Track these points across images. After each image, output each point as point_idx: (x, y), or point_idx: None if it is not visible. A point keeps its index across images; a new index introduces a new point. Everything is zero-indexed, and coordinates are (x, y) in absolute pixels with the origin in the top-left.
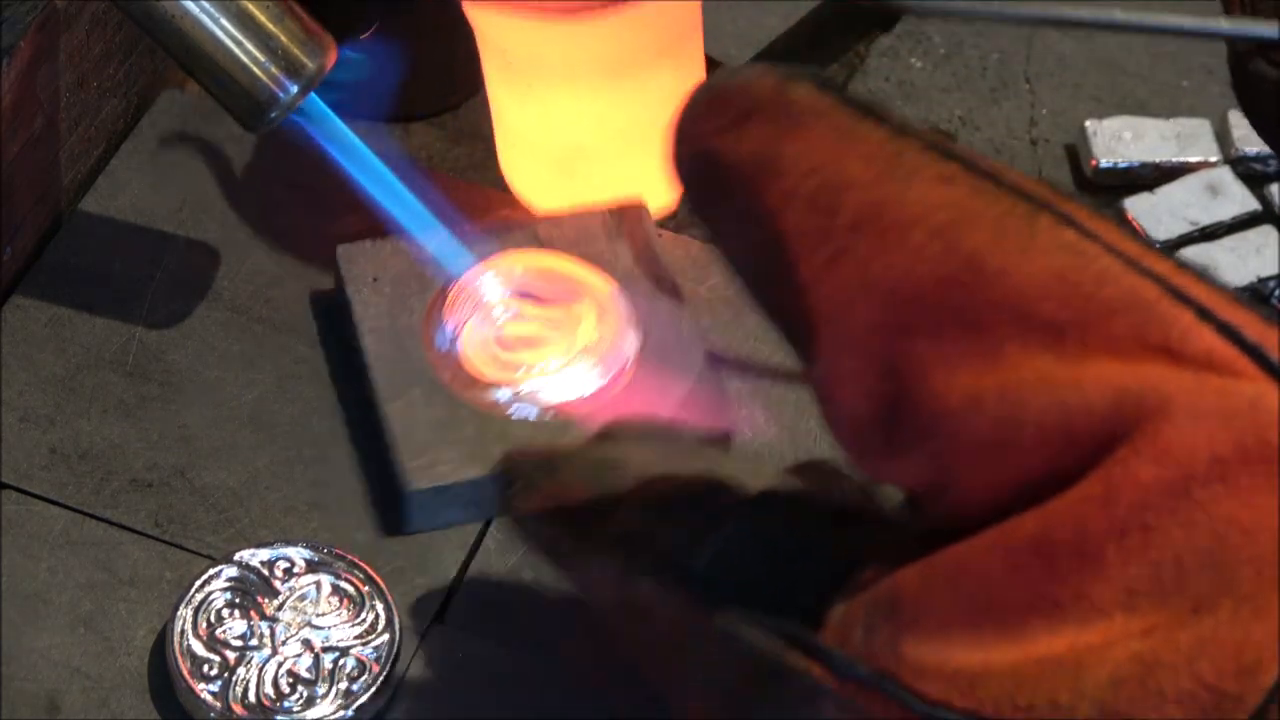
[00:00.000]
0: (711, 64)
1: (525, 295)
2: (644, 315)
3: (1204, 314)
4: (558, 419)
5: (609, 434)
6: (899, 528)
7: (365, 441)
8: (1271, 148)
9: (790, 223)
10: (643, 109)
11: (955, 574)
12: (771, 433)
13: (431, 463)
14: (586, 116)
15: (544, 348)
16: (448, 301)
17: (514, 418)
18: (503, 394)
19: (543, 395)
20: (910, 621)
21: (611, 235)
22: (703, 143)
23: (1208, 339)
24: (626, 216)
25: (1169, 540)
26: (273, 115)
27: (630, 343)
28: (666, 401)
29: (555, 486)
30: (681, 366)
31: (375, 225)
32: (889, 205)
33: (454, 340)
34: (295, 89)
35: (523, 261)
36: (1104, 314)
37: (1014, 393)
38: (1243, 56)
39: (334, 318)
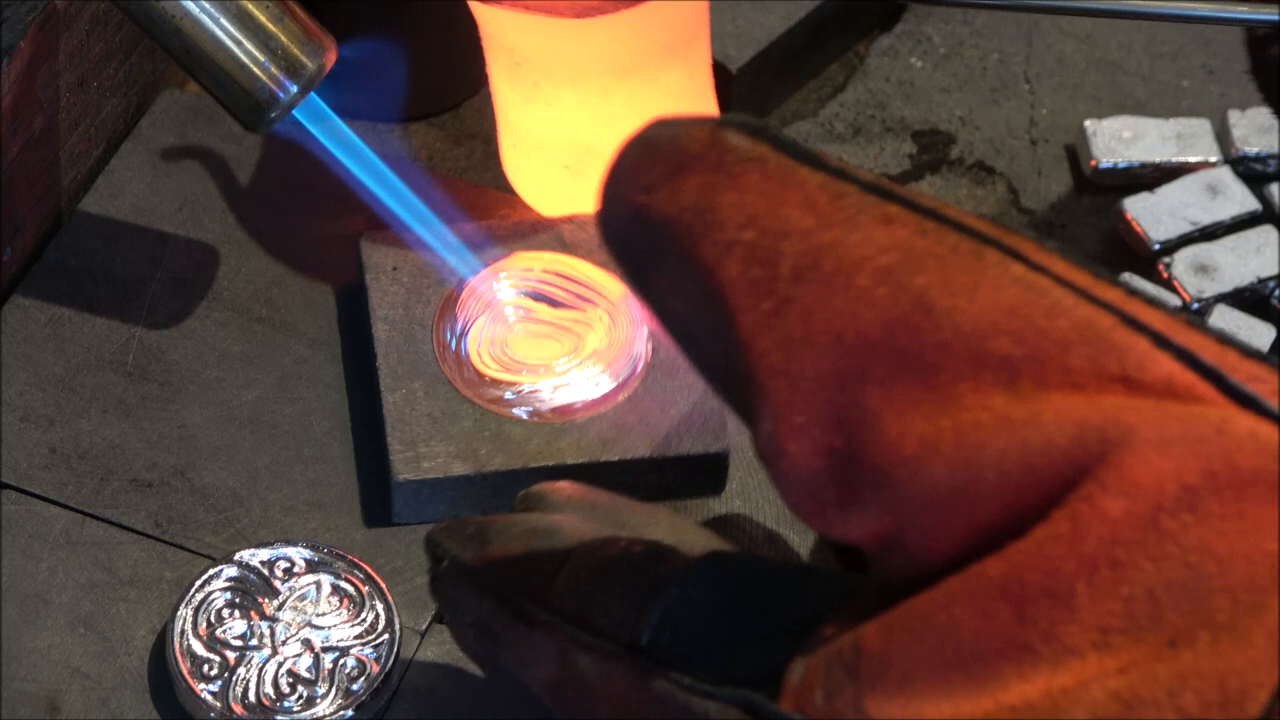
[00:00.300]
0: (712, 64)
1: (539, 296)
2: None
3: (1160, 340)
4: (555, 422)
5: (540, 500)
6: (852, 584)
7: (369, 433)
8: None
9: (729, 275)
10: (652, 109)
11: (919, 624)
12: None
13: (420, 456)
14: (595, 117)
15: (550, 349)
16: (462, 297)
17: (511, 418)
18: (505, 393)
19: (544, 397)
20: (874, 678)
21: None
22: (635, 200)
23: (1166, 365)
24: None
25: (1140, 574)
26: (273, 115)
27: (639, 352)
28: (667, 415)
29: (485, 559)
30: (689, 381)
31: (376, 225)
32: (832, 250)
33: (462, 336)
34: (295, 89)
35: (540, 262)
36: (1059, 347)
37: (971, 435)
38: (1260, 40)
39: (352, 307)
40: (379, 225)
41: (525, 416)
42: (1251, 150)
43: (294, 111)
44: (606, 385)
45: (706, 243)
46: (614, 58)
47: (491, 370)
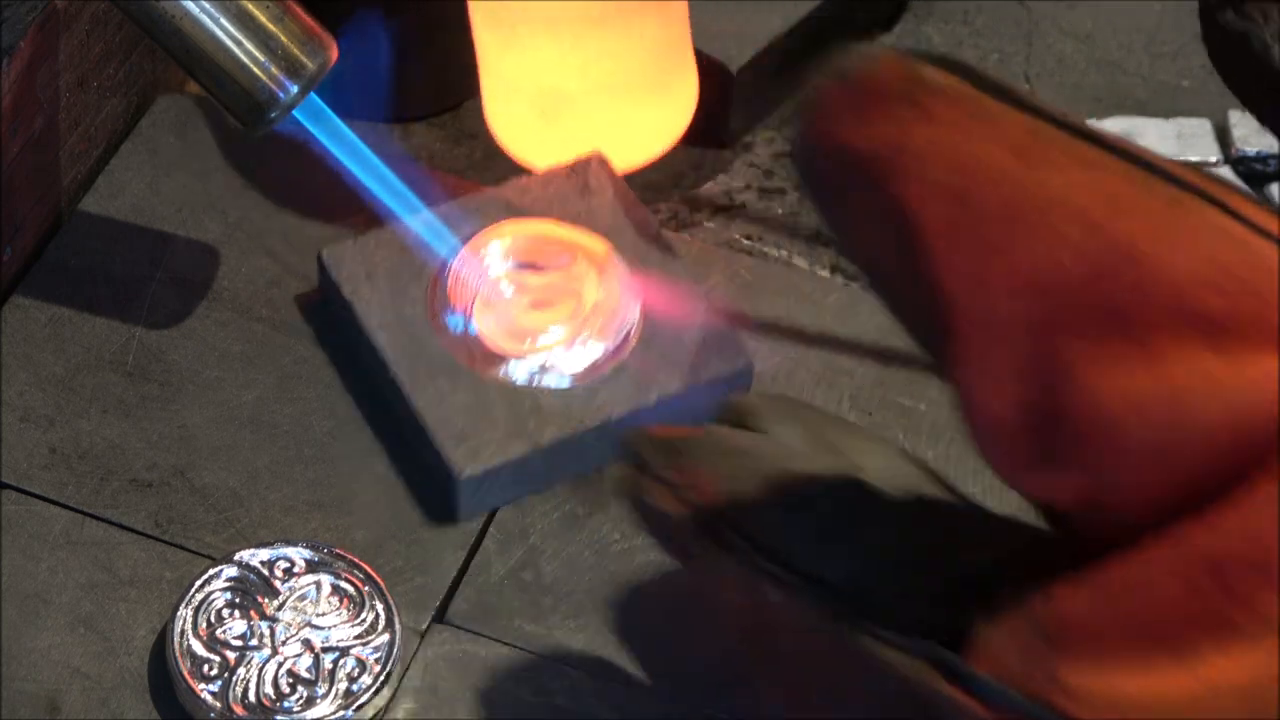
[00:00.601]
0: (711, 64)
1: (524, 266)
2: (638, 264)
3: None
4: (585, 383)
5: (743, 413)
6: (1043, 538)
7: (388, 438)
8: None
9: (927, 214)
10: (625, 57)
11: (1118, 592)
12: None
13: (475, 448)
14: (568, 63)
15: (555, 314)
16: (450, 284)
17: (542, 389)
18: (525, 367)
19: (565, 361)
20: (1072, 646)
21: (581, 191)
22: (831, 135)
23: None
24: (590, 170)
25: None
26: (273, 115)
27: (635, 293)
28: (683, 345)
29: (682, 473)
30: (687, 307)
31: (377, 223)
32: (1032, 192)
33: (466, 322)
34: (295, 89)
35: (511, 232)
36: (1262, 302)
37: (1176, 394)
38: (1212, 8)
39: (325, 320)
40: (342, 236)
41: (552, 384)
42: (1251, 150)
43: (294, 111)
44: (620, 333)
45: (901, 180)
46: (588, 4)
47: (507, 347)
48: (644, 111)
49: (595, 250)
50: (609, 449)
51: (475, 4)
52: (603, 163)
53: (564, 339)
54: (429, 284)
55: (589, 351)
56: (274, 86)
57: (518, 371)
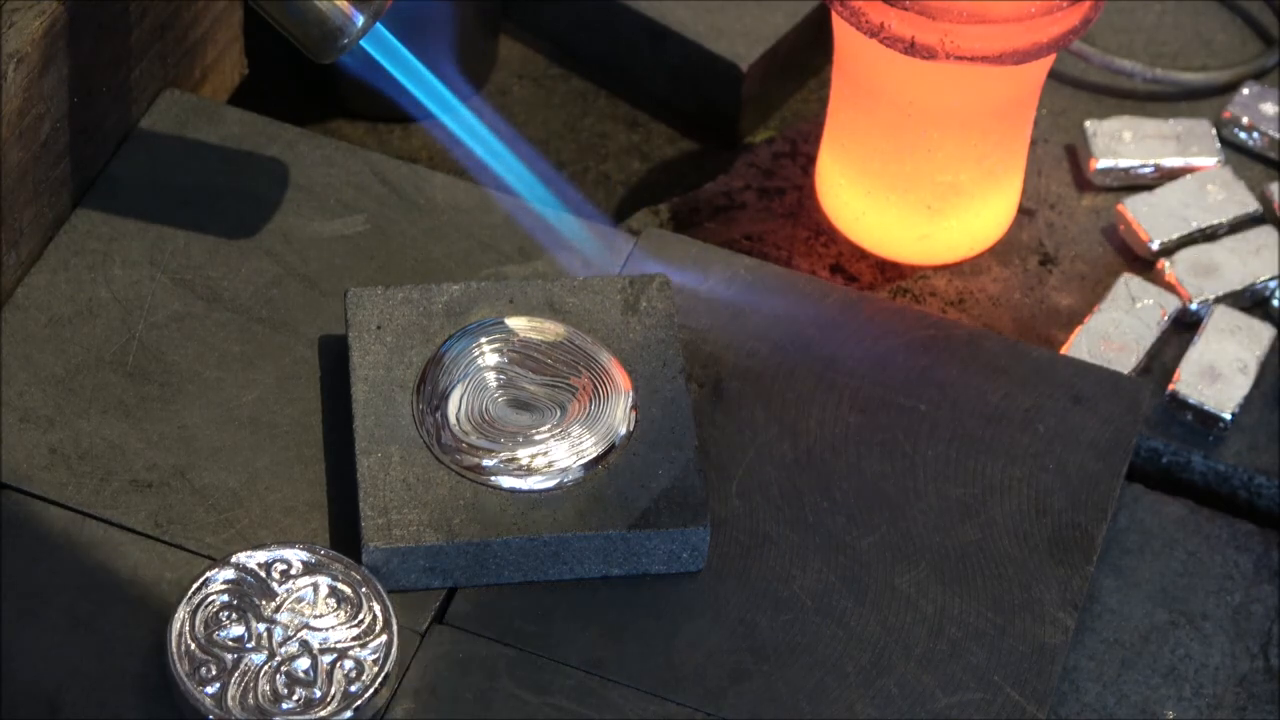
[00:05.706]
0: (721, 62)
1: (524, 362)
2: (643, 395)
3: None
4: (534, 494)
5: None
6: None
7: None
8: None
9: None
10: (1011, 146)
11: None
12: (773, 432)
13: (391, 523)
14: (969, 156)
15: (530, 419)
16: (445, 360)
17: (488, 486)
18: (484, 460)
19: (525, 468)
20: None
21: (628, 307)
22: None
23: None
24: (647, 289)
25: None
26: (344, 43)
27: (622, 423)
28: (646, 489)
29: None
30: (670, 455)
31: (379, 224)
32: None
33: (443, 400)
34: (361, 19)
35: (527, 326)
36: None
37: None
38: None
39: (340, 346)
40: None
41: (503, 485)
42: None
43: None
44: (587, 456)
45: None
46: (1001, 101)
47: (469, 437)
48: (1003, 200)
49: (601, 367)
50: (534, 564)
51: (872, 117)
52: (664, 286)
53: (529, 446)
54: (430, 353)
55: (552, 465)
56: (345, 15)
57: (474, 463)
